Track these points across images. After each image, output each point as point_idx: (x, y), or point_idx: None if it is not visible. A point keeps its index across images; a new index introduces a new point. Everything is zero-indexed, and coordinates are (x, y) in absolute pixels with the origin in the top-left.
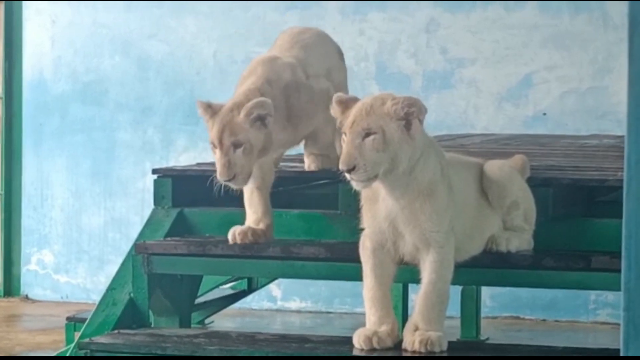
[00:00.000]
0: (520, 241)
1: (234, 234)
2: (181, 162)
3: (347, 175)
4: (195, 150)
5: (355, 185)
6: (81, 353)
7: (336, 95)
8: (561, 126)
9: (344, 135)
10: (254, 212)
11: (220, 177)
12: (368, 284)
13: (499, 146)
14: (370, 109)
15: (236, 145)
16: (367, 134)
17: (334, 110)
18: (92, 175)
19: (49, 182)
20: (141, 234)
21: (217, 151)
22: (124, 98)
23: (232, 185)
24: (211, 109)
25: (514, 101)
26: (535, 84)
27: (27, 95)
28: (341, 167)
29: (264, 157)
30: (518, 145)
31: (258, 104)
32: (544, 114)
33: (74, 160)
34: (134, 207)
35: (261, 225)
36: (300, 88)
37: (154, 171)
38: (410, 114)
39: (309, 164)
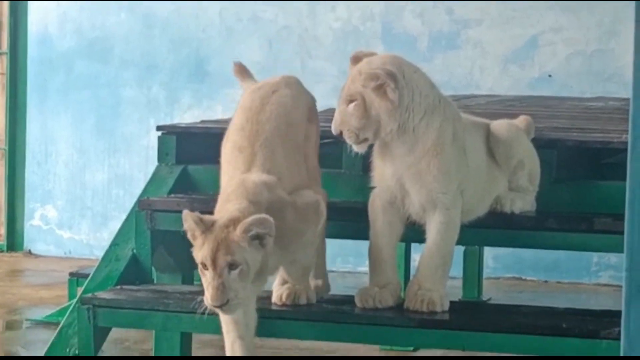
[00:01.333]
0: (524, 202)
1: None
2: (185, 119)
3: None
4: (200, 108)
5: (353, 147)
6: (84, 308)
7: (355, 52)
8: (566, 88)
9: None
10: None
11: (212, 301)
12: (374, 243)
13: (503, 107)
14: (356, 76)
15: (232, 267)
16: (350, 101)
17: (350, 67)
18: (97, 131)
19: (53, 138)
20: (145, 191)
21: (209, 272)
22: (129, 55)
23: (223, 313)
24: (203, 224)
25: (520, 62)
26: (541, 45)
27: (32, 52)
28: (332, 131)
29: (257, 283)
30: (523, 106)
31: (258, 220)
32: (550, 75)
33: (78, 116)
34: (138, 163)
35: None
36: (285, 207)
37: (158, 128)
38: (380, 85)
39: (277, 297)
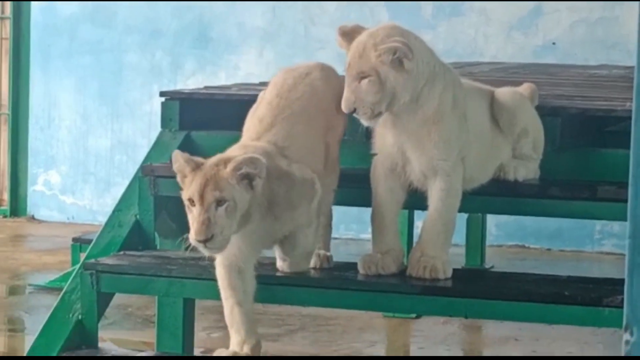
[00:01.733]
0: (528, 170)
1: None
2: (189, 85)
3: (354, 115)
4: (203, 74)
5: (363, 122)
6: (87, 274)
7: (340, 27)
8: (570, 56)
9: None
10: (236, 331)
11: (196, 236)
12: (376, 210)
13: (507, 75)
14: (362, 51)
15: (219, 203)
16: (362, 77)
17: (339, 42)
18: (100, 97)
19: (56, 103)
20: (148, 156)
21: (196, 208)
22: (132, 20)
23: (207, 250)
24: (193, 162)
25: (524, 30)
26: (546, 13)
27: (36, 16)
28: (343, 110)
29: (240, 228)
30: (527, 74)
31: (249, 159)
32: (554, 43)
33: (81, 82)
34: (141, 129)
35: (245, 349)
36: (282, 176)
37: (162, 94)
38: (396, 58)
39: (280, 266)
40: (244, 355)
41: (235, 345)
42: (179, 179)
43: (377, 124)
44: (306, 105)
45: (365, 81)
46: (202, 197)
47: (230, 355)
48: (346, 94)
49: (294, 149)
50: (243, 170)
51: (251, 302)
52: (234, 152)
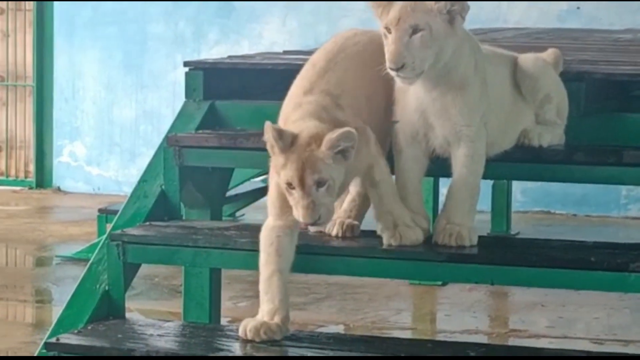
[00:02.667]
0: (552, 136)
1: (245, 328)
2: (213, 55)
3: (393, 73)
4: (227, 44)
5: (401, 82)
6: (113, 244)
7: None
8: (595, 20)
9: (386, 32)
10: (269, 300)
11: (303, 219)
12: (400, 177)
13: (531, 40)
14: (415, 5)
15: (319, 184)
16: (415, 31)
17: (375, 7)
18: (124, 67)
19: (80, 74)
20: (173, 127)
21: (296, 191)
22: None
23: (314, 228)
24: (282, 141)
25: None
26: None
27: None
28: (390, 65)
29: (338, 197)
30: (551, 39)
31: (343, 135)
32: (578, 7)
33: (106, 52)
34: (166, 99)
35: (276, 319)
36: (340, 125)
37: (186, 64)
38: (454, 10)
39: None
40: (275, 324)
41: (266, 314)
42: (267, 147)
43: (415, 82)
44: (362, 51)
45: (417, 35)
46: (301, 181)
47: (259, 324)
48: (396, 47)
49: (349, 97)
50: (340, 147)
51: (289, 270)
52: (303, 120)
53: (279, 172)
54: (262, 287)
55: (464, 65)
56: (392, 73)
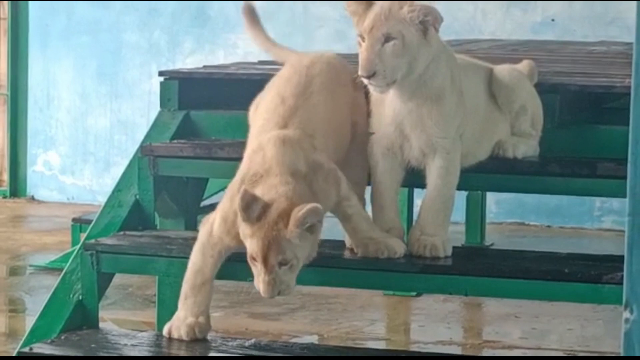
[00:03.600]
0: (527, 147)
1: (179, 330)
2: (188, 64)
3: (366, 81)
4: (202, 53)
5: (373, 90)
6: (87, 254)
7: None
8: (569, 32)
9: (360, 40)
10: (197, 304)
11: (263, 294)
12: (376, 188)
13: (506, 52)
14: (388, 14)
15: (282, 264)
16: (387, 39)
17: (352, 8)
18: (98, 76)
19: (55, 83)
20: (147, 136)
21: (259, 266)
22: None
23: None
24: (251, 211)
25: (523, 6)
26: None
27: None
28: (361, 73)
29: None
30: (526, 51)
31: (310, 211)
32: (552, 19)
33: (80, 61)
34: (140, 109)
35: (201, 319)
36: (316, 169)
37: (161, 73)
38: (427, 21)
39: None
40: (204, 323)
41: (192, 314)
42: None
43: (387, 91)
44: (325, 81)
45: (389, 44)
46: (265, 260)
47: (193, 323)
48: (368, 55)
49: (320, 136)
50: (306, 225)
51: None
52: (279, 176)
53: (245, 239)
54: (190, 291)
55: (441, 77)
56: (365, 81)
